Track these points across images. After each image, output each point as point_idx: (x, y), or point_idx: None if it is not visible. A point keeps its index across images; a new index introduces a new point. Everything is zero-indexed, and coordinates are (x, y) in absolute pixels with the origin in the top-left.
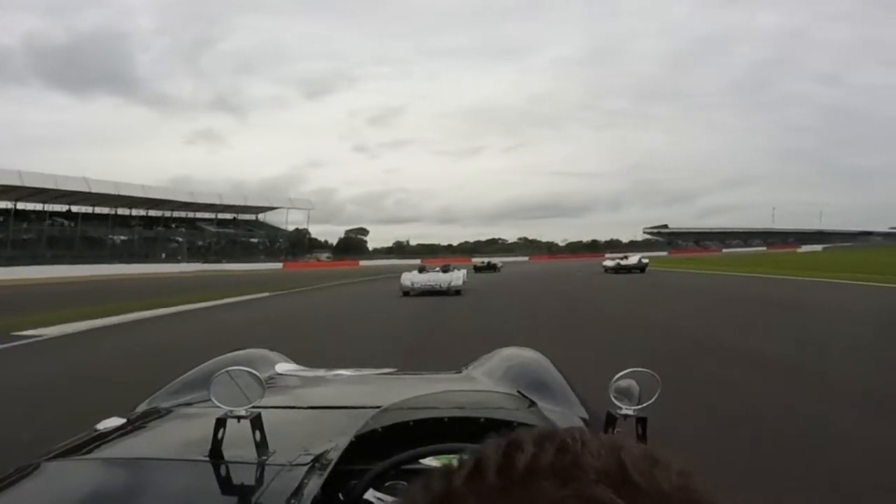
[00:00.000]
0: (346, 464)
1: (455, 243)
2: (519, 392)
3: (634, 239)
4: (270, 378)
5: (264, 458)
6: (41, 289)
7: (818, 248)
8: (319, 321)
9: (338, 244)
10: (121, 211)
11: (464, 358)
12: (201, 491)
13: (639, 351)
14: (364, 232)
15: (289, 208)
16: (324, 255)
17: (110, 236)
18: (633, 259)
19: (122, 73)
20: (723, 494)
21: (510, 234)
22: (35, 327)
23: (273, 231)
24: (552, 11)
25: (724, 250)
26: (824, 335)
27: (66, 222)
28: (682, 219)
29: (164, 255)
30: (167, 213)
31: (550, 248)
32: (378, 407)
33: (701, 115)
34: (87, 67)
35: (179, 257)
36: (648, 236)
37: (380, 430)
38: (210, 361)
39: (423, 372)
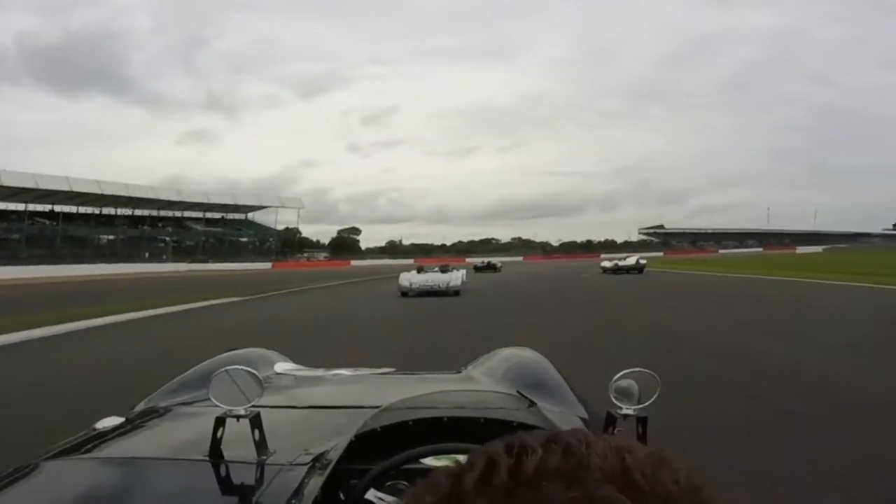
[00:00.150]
0: (347, 463)
1: (448, 243)
2: (518, 392)
3: (629, 239)
4: (269, 377)
5: (264, 457)
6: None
7: (818, 249)
8: (275, 343)
9: (330, 244)
10: (107, 210)
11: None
12: (200, 491)
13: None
14: (356, 231)
15: (279, 207)
16: (321, 255)
17: (93, 236)
18: (631, 260)
19: (114, 72)
20: (724, 494)
21: (504, 234)
22: None
23: (262, 230)
24: (546, 12)
25: (720, 251)
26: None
27: (47, 222)
28: (675, 219)
29: (147, 255)
30: (154, 213)
31: (545, 249)
32: (377, 407)
33: (694, 115)
34: (79, 67)
35: (164, 257)
36: (644, 236)
37: (379, 429)
38: (209, 360)
39: (423, 372)
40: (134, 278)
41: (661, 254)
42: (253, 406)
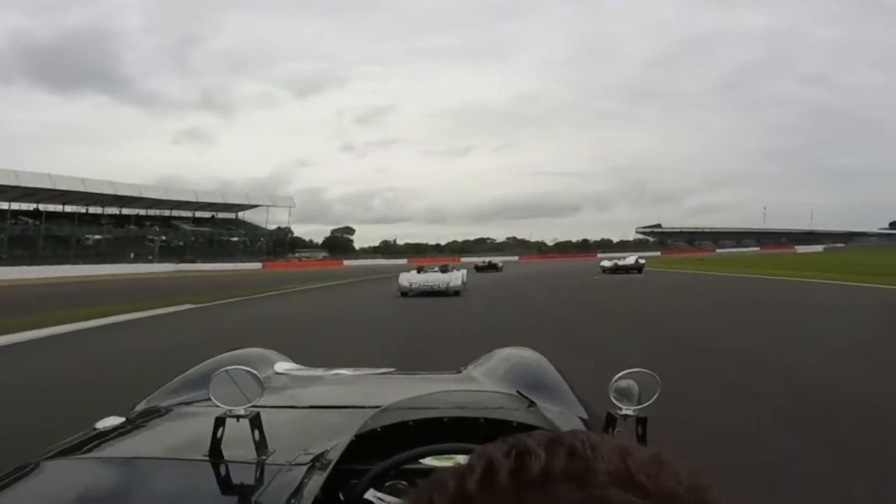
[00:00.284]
0: (347, 463)
1: (443, 243)
2: (518, 392)
3: (624, 238)
4: (269, 377)
5: (264, 457)
6: None
7: (818, 248)
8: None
9: (323, 243)
10: (94, 209)
11: None
12: (201, 490)
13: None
14: (350, 231)
15: (269, 206)
16: (320, 255)
17: (78, 236)
18: (630, 260)
19: (109, 71)
20: (726, 494)
21: (498, 234)
22: None
23: (253, 230)
24: (540, 12)
25: (718, 250)
26: None
27: (30, 221)
28: (670, 219)
29: (132, 256)
30: (142, 212)
31: (540, 249)
32: (377, 407)
33: (689, 115)
34: (74, 66)
35: (150, 257)
36: (641, 236)
37: (379, 429)
38: (209, 360)
39: (423, 372)
40: (112, 280)
41: (657, 253)
42: (253, 406)
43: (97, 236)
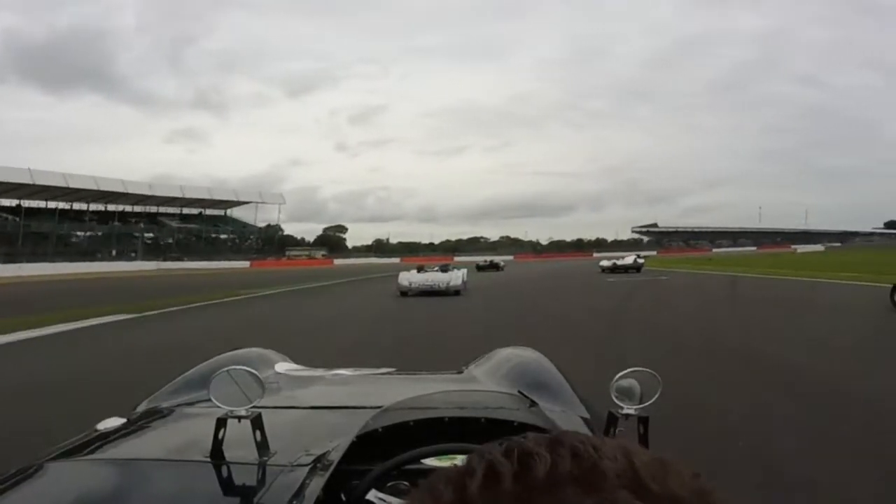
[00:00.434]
0: (348, 464)
1: (436, 242)
2: (519, 392)
3: (619, 238)
4: (269, 378)
5: (265, 458)
6: None
7: (819, 248)
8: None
9: (315, 242)
10: (78, 206)
11: None
12: (202, 492)
13: None
14: (343, 230)
15: (259, 202)
16: (319, 253)
17: (59, 233)
18: (629, 259)
19: (102, 71)
20: (727, 495)
21: (492, 233)
22: None
23: (242, 227)
24: (535, 12)
25: (714, 250)
26: None
27: (10, 217)
28: (664, 218)
29: (114, 253)
30: (128, 208)
31: (535, 248)
32: (378, 407)
33: (682, 115)
34: (67, 65)
35: (133, 255)
36: (637, 235)
37: (380, 430)
38: (209, 361)
39: (424, 372)
40: (81, 279)
41: (654, 252)
42: (254, 407)
43: (79, 233)
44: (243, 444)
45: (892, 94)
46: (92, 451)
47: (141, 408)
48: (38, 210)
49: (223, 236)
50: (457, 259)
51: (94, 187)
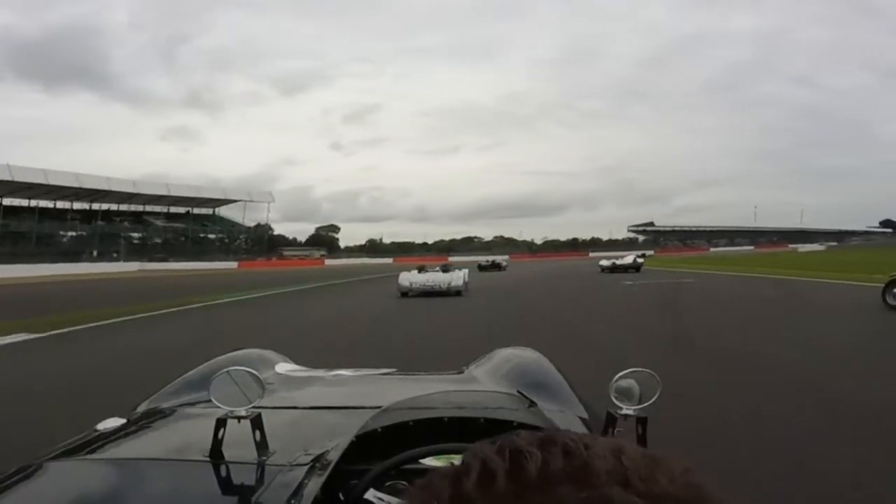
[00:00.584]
0: (347, 464)
1: (430, 241)
2: (519, 392)
3: (614, 237)
4: (269, 378)
5: (264, 458)
6: None
7: (820, 247)
8: None
9: (307, 241)
10: (62, 204)
11: None
12: (202, 491)
13: None
14: (335, 229)
15: (247, 201)
16: (317, 253)
17: (39, 232)
18: (628, 259)
19: (95, 68)
20: (723, 491)
21: (486, 233)
22: None
23: (230, 226)
24: (529, 12)
25: (711, 249)
26: None
27: None
28: (657, 218)
29: (95, 254)
30: (113, 207)
31: (530, 248)
32: (378, 407)
33: (677, 115)
34: (60, 63)
35: (115, 255)
36: (633, 234)
37: (380, 430)
38: (209, 362)
39: (423, 372)
40: (48, 283)
41: (651, 252)
42: (254, 407)
43: (61, 232)
44: (243, 444)
45: (886, 94)
46: (91, 451)
47: (141, 408)
48: (20, 209)
49: (211, 236)
50: (451, 259)
51: (76, 184)
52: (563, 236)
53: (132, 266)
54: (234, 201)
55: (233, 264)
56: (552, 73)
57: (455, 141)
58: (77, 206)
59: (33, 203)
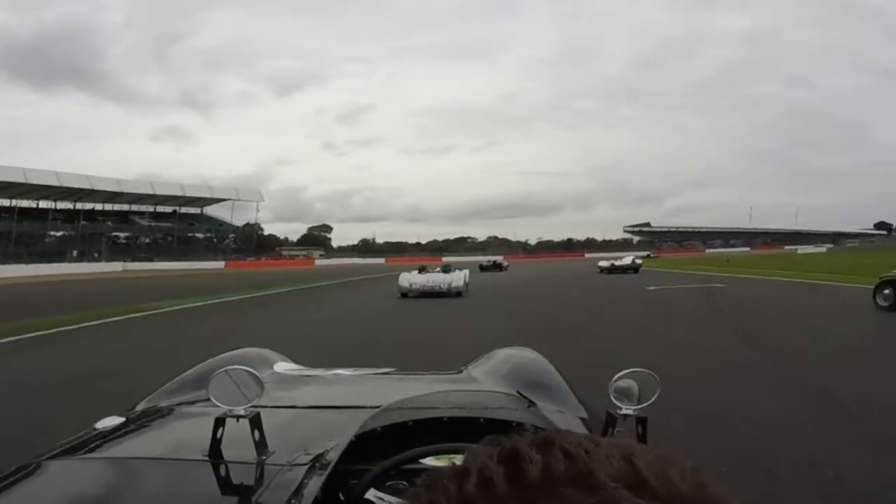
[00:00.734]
0: (346, 464)
1: (423, 242)
2: (518, 392)
3: (607, 237)
4: (268, 377)
5: (264, 457)
6: None
7: (821, 248)
8: None
9: (299, 241)
10: (45, 204)
11: None
12: (201, 491)
13: None
14: (328, 229)
15: (235, 200)
16: (316, 253)
17: (18, 232)
18: (627, 260)
19: (88, 68)
20: (727, 490)
21: (479, 233)
22: None
23: (218, 225)
24: (522, 12)
25: (707, 250)
26: None
27: None
28: (652, 218)
29: (75, 254)
30: (98, 206)
31: (524, 248)
32: (378, 407)
33: (671, 116)
34: (51, 62)
35: (96, 255)
36: (628, 235)
37: (379, 429)
38: (208, 361)
39: (423, 372)
40: (18, 284)
41: (647, 253)
42: (253, 406)
43: (41, 232)
44: (242, 444)
45: (881, 96)
46: (90, 450)
47: (140, 407)
48: None
49: (199, 235)
50: (445, 259)
51: (56, 183)
52: (558, 237)
53: (115, 266)
54: (223, 200)
55: (220, 264)
56: (546, 73)
57: (448, 141)
58: (61, 205)
59: (14, 203)
